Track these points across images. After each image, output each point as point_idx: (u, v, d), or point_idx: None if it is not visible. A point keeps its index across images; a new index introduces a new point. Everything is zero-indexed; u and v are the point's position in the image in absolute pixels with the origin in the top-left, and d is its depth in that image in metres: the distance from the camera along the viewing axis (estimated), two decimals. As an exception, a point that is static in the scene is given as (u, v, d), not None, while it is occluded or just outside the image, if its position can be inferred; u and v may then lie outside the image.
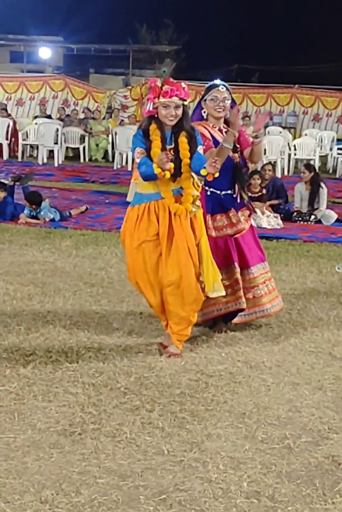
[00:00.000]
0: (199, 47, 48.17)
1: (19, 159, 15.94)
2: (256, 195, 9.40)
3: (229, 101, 4.66)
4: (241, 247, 4.77)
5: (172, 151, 4.16)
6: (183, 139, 4.19)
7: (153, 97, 4.17)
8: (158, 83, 4.21)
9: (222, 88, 4.64)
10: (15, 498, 2.72)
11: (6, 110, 18.23)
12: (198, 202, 4.28)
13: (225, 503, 2.78)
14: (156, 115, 4.21)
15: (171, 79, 4.30)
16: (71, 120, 17.65)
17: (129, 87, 20.80)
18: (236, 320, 4.82)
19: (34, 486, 2.81)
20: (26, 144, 16.59)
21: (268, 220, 8.96)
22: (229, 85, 4.73)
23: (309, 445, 3.26)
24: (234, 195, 4.75)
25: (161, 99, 4.17)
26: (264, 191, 9.51)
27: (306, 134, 17.36)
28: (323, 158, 16.74)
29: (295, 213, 9.58)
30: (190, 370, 4.09)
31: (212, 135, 4.63)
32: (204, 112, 4.71)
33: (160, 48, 32.69)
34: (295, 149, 15.65)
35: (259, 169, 10.44)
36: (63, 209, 9.14)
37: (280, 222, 9.02)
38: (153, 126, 4.20)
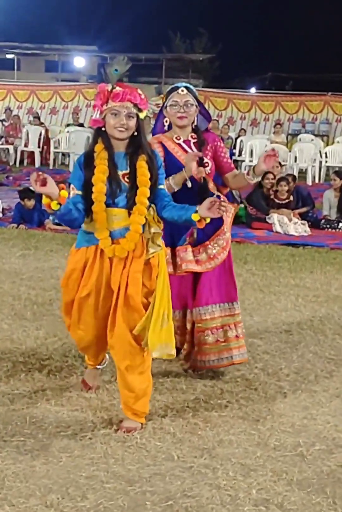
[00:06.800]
0: (233, 55, 48.32)
1: (51, 167, 16.09)
2: (284, 202, 9.36)
3: (193, 106, 3.89)
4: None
5: (126, 178, 3.29)
6: (142, 164, 3.27)
7: (100, 103, 3.27)
8: (108, 87, 3.27)
9: (183, 91, 3.88)
10: (20, 501, 2.71)
11: (38, 118, 18.51)
12: (159, 241, 3.35)
13: (232, 510, 2.73)
14: (103, 128, 3.30)
15: (125, 83, 3.38)
16: (103, 129, 17.79)
17: (162, 96, 20.81)
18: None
19: (40, 489, 2.80)
20: (58, 152, 16.78)
21: (295, 227, 8.91)
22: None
23: (323, 453, 3.19)
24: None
25: (110, 103, 3.25)
26: (291, 197, 9.44)
27: (338, 142, 17.19)
28: (355, 166, 16.56)
29: (323, 220, 9.49)
30: (206, 376, 4.05)
31: (168, 151, 3.89)
32: (166, 121, 3.98)
33: (194, 57, 32.61)
34: (326, 157, 15.51)
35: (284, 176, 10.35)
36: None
37: (307, 229, 8.96)
38: (99, 146, 3.28)
